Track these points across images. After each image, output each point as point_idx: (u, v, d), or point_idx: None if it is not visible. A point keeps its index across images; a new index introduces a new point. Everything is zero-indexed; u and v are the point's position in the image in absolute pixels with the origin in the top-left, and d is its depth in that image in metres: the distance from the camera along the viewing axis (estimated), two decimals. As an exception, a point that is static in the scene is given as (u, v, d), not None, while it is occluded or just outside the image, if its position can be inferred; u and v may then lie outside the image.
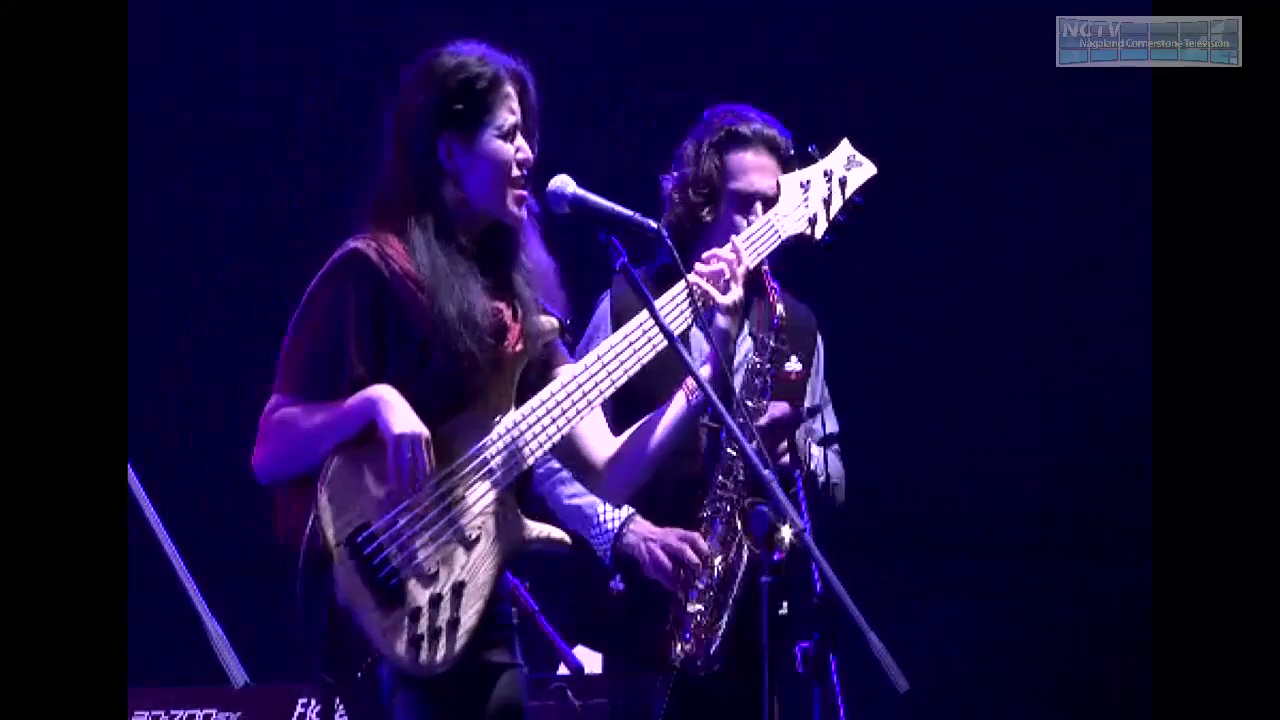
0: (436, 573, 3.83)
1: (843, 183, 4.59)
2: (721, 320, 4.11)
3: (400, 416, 3.79)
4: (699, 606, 4.85)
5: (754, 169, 5.00)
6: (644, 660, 4.88)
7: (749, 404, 4.83)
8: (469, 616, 3.84)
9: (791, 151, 4.95)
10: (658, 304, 4.01)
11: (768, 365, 4.86)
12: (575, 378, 3.98)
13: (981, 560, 7.02)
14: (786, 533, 4.51)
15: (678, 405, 4.08)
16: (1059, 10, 5.86)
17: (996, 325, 7.07)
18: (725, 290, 4.13)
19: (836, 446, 5.20)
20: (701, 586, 4.86)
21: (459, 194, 3.94)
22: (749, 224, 4.85)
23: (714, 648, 4.84)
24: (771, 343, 4.86)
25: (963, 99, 7.06)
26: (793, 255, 4.93)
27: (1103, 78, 6.20)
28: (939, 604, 6.94)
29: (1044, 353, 7.12)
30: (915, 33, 7.08)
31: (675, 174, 5.08)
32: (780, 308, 4.81)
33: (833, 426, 5.20)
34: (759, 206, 4.92)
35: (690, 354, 4.73)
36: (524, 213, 3.97)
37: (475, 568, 3.87)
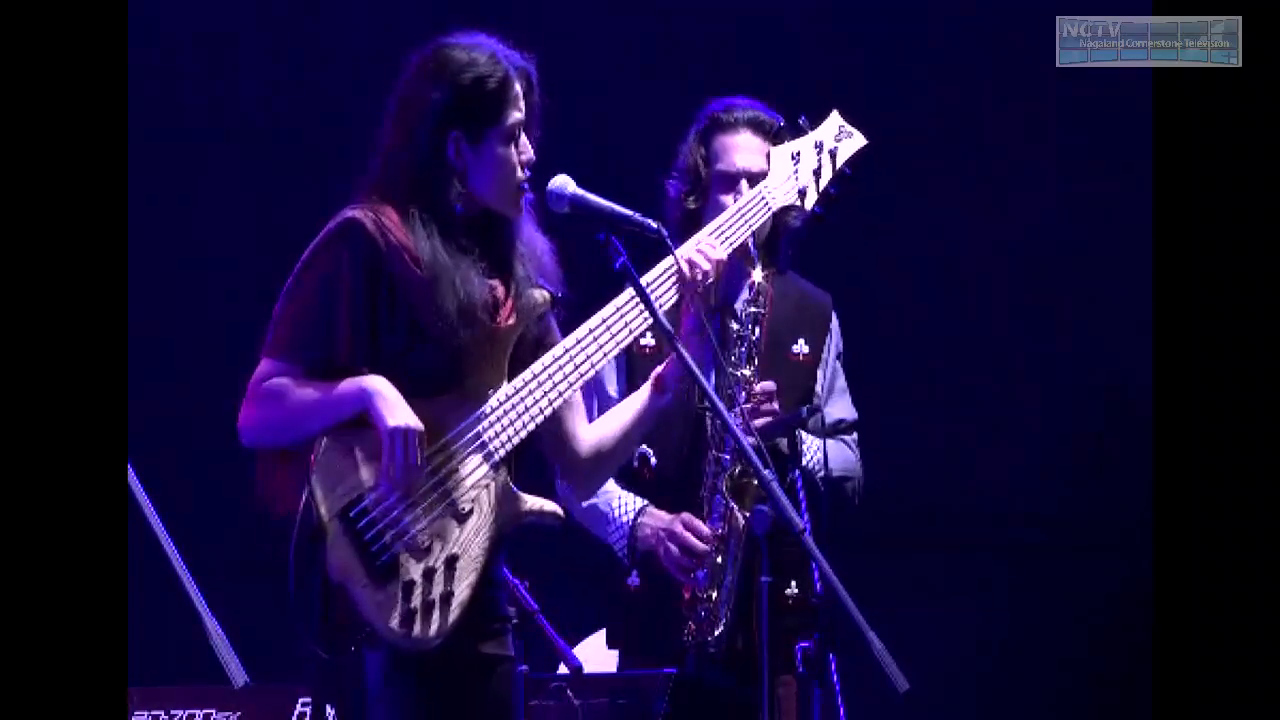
0: (430, 546, 3.84)
1: (833, 154, 4.59)
2: (696, 311, 4.10)
3: (394, 411, 3.80)
4: (704, 584, 4.87)
5: (735, 149, 5.01)
6: (663, 654, 4.88)
7: (733, 372, 4.84)
8: (462, 590, 3.84)
9: (781, 128, 4.97)
10: (644, 278, 4.01)
11: (747, 331, 4.87)
12: (566, 350, 3.98)
13: (981, 560, 7.02)
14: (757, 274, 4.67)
15: (640, 399, 4.09)
16: (1059, 10, 5.86)
17: (996, 325, 7.06)
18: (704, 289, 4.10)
19: (855, 436, 5.20)
20: (709, 567, 4.87)
21: (462, 189, 3.94)
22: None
23: (721, 624, 4.85)
24: (750, 308, 4.86)
25: (963, 99, 7.05)
26: (802, 245, 4.96)
27: (1103, 78, 6.20)
28: (938, 604, 6.93)
29: (1044, 352, 7.11)
30: (915, 32, 7.08)
31: (674, 174, 5.10)
32: (758, 274, 4.82)
33: (847, 415, 5.19)
34: (744, 185, 4.94)
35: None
36: (523, 208, 3.98)
37: (468, 541, 3.87)
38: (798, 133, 4.63)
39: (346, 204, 3.97)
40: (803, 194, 4.55)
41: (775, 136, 4.94)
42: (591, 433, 4.12)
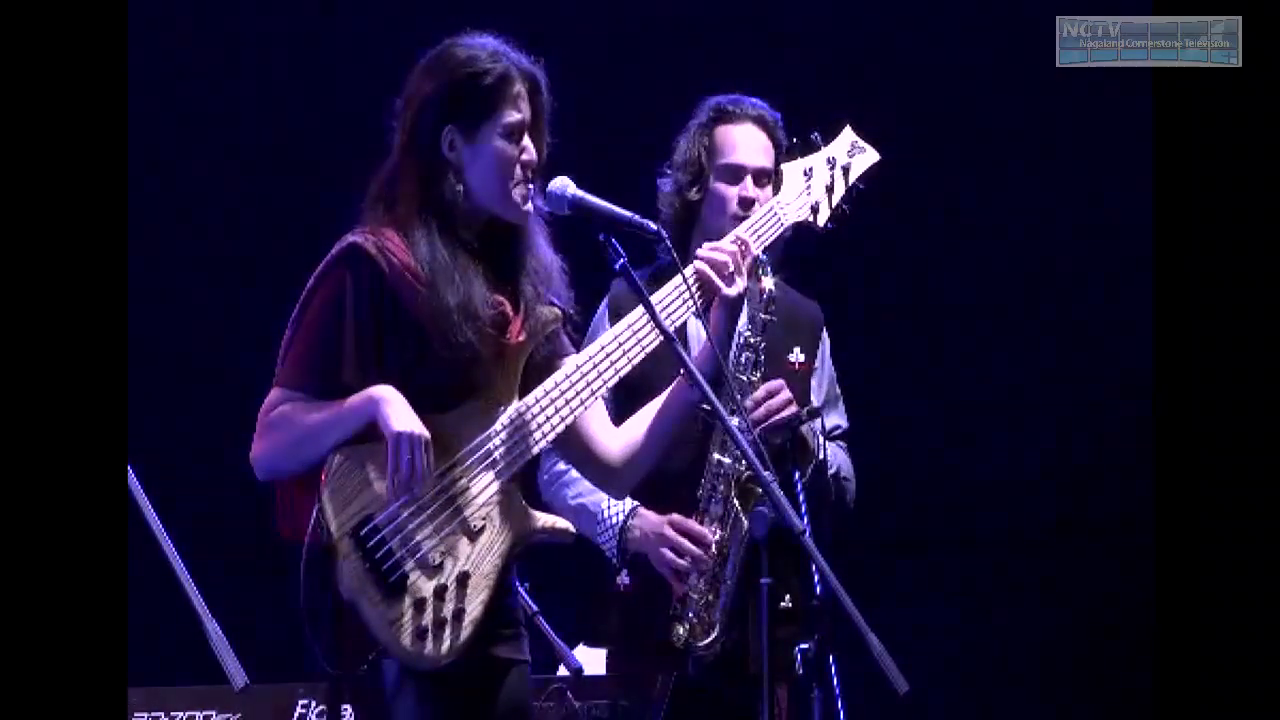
0: (441, 564, 3.83)
1: (845, 169, 4.59)
2: (722, 313, 4.12)
3: (400, 416, 3.79)
4: (700, 586, 4.85)
5: (742, 142, 4.98)
6: (653, 654, 4.86)
7: (740, 378, 4.82)
8: (474, 607, 3.84)
9: (781, 129, 4.97)
10: (658, 296, 4.03)
11: (757, 338, 4.85)
12: (579, 367, 3.98)
13: (981, 560, 7.02)
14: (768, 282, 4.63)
15: (679, 392, 4.09)
16: (1059, 10, 5.86)
17: (996, 324, 7.07)
18: (730, 282, 4.12)
19: (844, 444, 5.19)
20: (703, 569, 4.85)
21: (460, 187, 3.94)
22: (737, 197, 4.88)
23: (716, 627, 4.84)
24: (761, 315, 4.85)
25: (963, 99, 7.05)
26: (794, 252, 4.95)
27: (1103, 78, 6.20)
28: (939, 604, 6.94)
29: (1045, 352, 7.12)
30: (915, 32, 7.08)
31: (669, 170, 5.08)
32: (769, 281, 4.79)
33: (842, 422, 5.19)
34: (749, 180, 4.93)
35: (688, 348, 4.75)
36: (528, 209, 3.97)
37: (480, 558, 3.87)
38: (810, 148, 4.62)
39: (353, 212, 3.97)
40: (815, 209, 4.55)
41: (775, 139, 4.95)
42: (621, 436, 4.12)
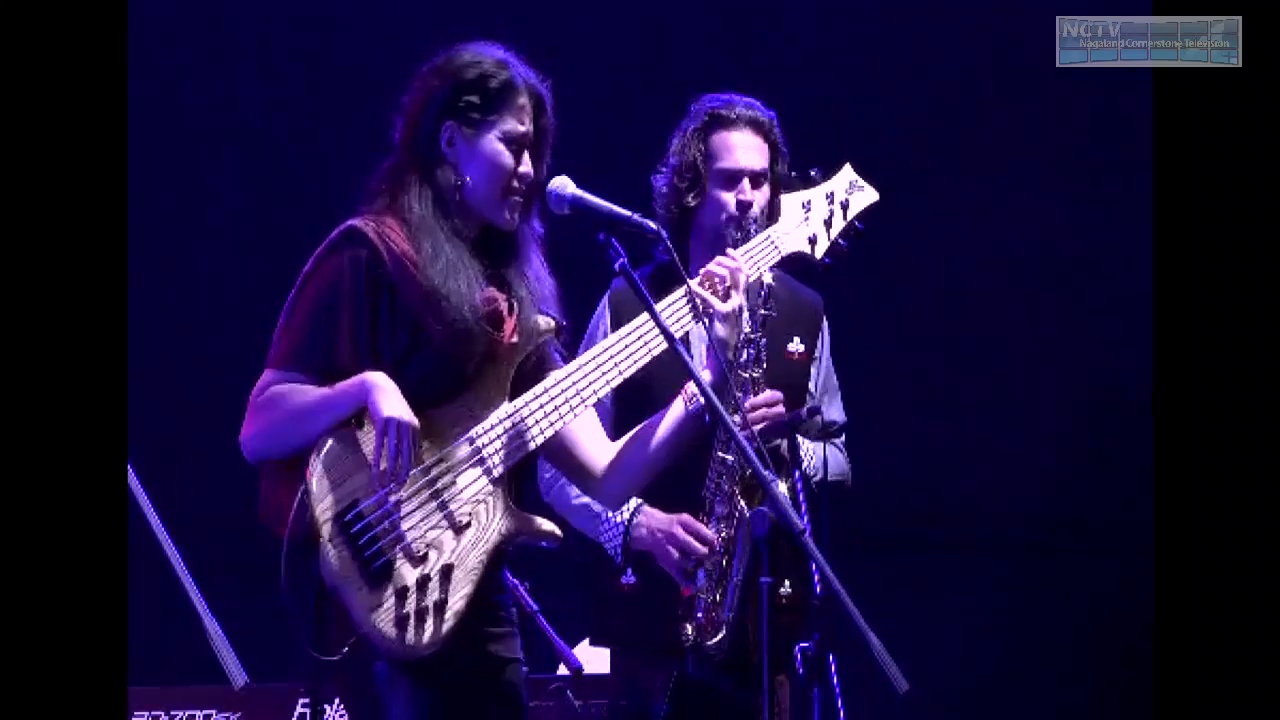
0: (425, 555, 3.84)
1: (844, 205, 4.61)
2: (720, 328, 4.12)
3: (391, 402, 3.79)
4: (706, 586, 4.85)
5: (738, 146, 4.99)
6: (659, 652, 4.86)
7: (741, 374, 4.82)
8: (457, 600, 3.84)
9: (776, 128, 4.97)
10: (657, 308, 4.02)
11: (757, 334, 4.86)
12: (569, 375, 3.99)
13: (981, 560, 7.02)
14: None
15: (676, 411, 4.09)
16: (1059, 10, 5.87)
17: (996, 324, 7.07)
18: (725, 298, 4.13)
19: (842, 439, 5.20)
20: (709, 568, 4.85)
21: (455, 183, 3.95)
22: (735, 200, 4.89)
23: (723, 626, 4.83)
24: (760, 310, 4.85)
25: (963, 99, 7.06)
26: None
27: (1103, 78, 6.21)
28: (939, 603, 6.94)
29: (1044, 352, 7.12)
30: (916, 33, 7.09)
31: (664, 169, 5.08)
32: (768, 275, 4.80)
33: (838, 416, 5.18)
34: (746, 184, 4.93)
35: (690, 355, 4.74)
36: (516, 219, 3.98)
37: (465, 552, 3.87)
38: (809, 183, 4.63)
39: (352, 204, 3.98)
40: (813, 241, 4.56)
41: (770, 141, 4.96)
42: (613, 450, 4.12)
